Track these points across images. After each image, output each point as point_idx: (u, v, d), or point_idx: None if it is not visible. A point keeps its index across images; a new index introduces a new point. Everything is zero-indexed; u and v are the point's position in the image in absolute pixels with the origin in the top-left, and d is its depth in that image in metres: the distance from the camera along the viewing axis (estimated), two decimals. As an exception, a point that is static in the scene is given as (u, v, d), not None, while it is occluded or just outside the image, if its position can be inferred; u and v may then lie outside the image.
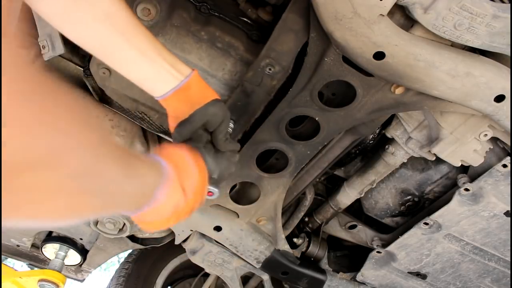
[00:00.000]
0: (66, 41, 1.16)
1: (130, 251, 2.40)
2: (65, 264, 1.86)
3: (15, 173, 0.41)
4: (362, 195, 1.64)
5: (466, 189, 1.40)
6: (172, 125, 0.95)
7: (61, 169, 0.46)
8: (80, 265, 1.95)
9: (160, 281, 2.37)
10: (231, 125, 1.06)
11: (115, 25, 0.80)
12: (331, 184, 1.84)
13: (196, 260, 1.75)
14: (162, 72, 0.87)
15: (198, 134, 0.94)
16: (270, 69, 1.13)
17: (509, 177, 1.33)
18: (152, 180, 0.71)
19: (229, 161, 0.98)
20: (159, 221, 0.81)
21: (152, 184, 0.72)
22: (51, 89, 0.45)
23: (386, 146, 1.46)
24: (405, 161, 1.47)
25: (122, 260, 2.51)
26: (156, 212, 0.75)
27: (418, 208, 1.66)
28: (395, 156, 1.45)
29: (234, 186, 1.47)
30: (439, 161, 1.39)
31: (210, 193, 0.96)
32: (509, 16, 0.90)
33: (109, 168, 0.56)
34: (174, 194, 0.77)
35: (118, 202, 0.64)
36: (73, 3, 0.76)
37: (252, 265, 1.72)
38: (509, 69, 1.04)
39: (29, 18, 1.17)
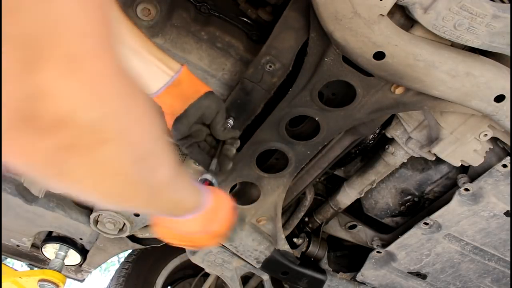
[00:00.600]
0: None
1: (130, 251, 2.40)
2: (65, 264, 1.86)
3: (93, 143, 0.40)
4: (362, 195, 1.64)
5: (466, 189, 1.40)
6: (169, 122, 0.96)
7: (129, 150, 0.45)
8: (80, 265, 1.95)
9: (160, 281, 2.37)
10: (231, 121, 1.06)
11: None
12: (331, 184, 1.84)
13: (196, 260, 1.75)
14: (152, 68, 0.87)
15: (196, 130, 0.96)
16: (270, 66, 1.13)
17: (509, 177, 1.33)
18: (189, 202, 0.75)
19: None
20: (171, 234, 0.84)
21: (187, 206, 0.75)
22: (128, 76, 0.45)
23: (386, 146, 1.46)
24: (405, 161, 1.47)
25: (122, 260, 2.51)
26: (175, 225, 0.79)
27: (418, 208, 1.66)
28: (395, 156, 1.45)
29: (234, 186, 1.47)
30: (439, 161, 1.39)
31: (206, 182, 0.96)
32: (509, 16, 0.90)
33: (164, 169, 0.56)
34: (199, 224, 0.80)
35: (155, 205, 0.65)
36: None
37: (252, 265, 1.71)
38: (509, 69, 1.04)
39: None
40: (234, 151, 1.04)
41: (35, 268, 2.03)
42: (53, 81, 0.34)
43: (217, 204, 0.83)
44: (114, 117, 0.41)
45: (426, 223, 1.51)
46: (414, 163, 1.55)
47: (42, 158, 0.38)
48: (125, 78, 0.43)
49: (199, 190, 0.79)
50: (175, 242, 0.87)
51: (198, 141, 0.98)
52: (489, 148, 1.31)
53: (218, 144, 1.04)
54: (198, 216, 0.78)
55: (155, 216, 0.82)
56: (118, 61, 0.41)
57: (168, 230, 0.83)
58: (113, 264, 5.84)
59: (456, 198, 1.42)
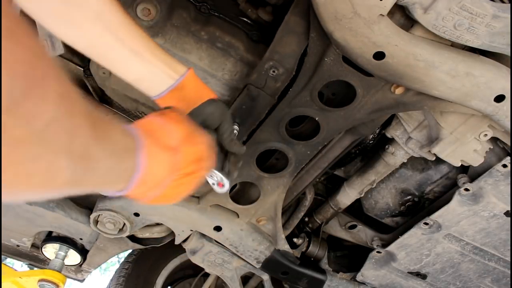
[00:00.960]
0: (66, 41, 1.16)
1: (130, 251, 2.40)
2: (65, 264, 1.86)
3: None
4: (362, 195, 1.64)
5: (466, 189, 1.40)
6: None
7: (25, 120, 0.39)
8: (80, 265, 1.95)
9: (160, 281, 2.37)
10: (236, 127, 1.05)
11: (107, 25, 0.79)
12: (331, 184, 1.84)
13: (196, 260, 1.75)
14: (156, 71, 0.86)
15: None
16: (274, 71, 1.13)
17: (509, 177, 1.33)
18: (126, 145, 0.62)
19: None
20: (166, 192, 0.72)
21: (127, 150, 0.63)
22: (18, 36, 0.39)
23: (386, 146, 1.46)
24: (405, 161, 1.47)
25: (122, 260, 2.51)
26: (149, 181, 0.67)
27: (418, 208, 1.66)
28: (395, 156, 1.45)
29: (234, 186, 1.47)
30: (439, 161, 1.39)
31: (220, 184, 0.92)
32: (509, 16, 0.90)
33: (82, 127, 0.48)
34: (157, 157, 0.68)
35: (91, 169, 0.53)
36: (63, 3, 0.75)
37: (252, 265, 1.72)
38: (509, 69, 1.04)
39: (29, 18, 1.17)
40: (240, 163, 1.00)
41: (35, 268, 2.03)
42: None
43: (144, 127, 0.68)
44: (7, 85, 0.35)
45: (426, 223, 1.51)
46: (414, 163, 1.55)
47: None
48: (10, 37, 0.37)
49: (127, 130, 0.65)
50: (183, 190, 0.75)
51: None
52: (489, 148, 1.31)
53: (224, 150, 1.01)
54: (146, 152, 0.65)
55: (120, 193, 0.67)
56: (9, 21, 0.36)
57: (157, 196, 0.71)
58: (113, 264, 5.84)
59: (456, 198, 1.42)
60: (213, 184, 0.94)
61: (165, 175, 0.70)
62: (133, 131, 0.66)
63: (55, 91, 0.44)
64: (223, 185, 0.93)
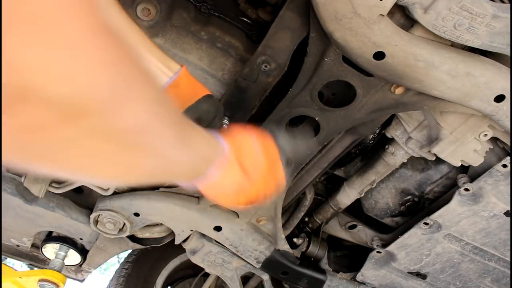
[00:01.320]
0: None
1: (130, 251, 2.40)
2: (65, 264, 1.86)
3: (73, 117, 0.34)
4: (362, 195, 1.64)
5: (466, 189, 1.40)
6: None
7: (116, 119, 0.39)
8: (80, 265, 1.95)
9: (160, 281, 2.37)
10: (226, 121, 1.06)
11: None
12: (331, 184, 1.84)
13: (196, 260, 1.75)
14: (151, 67, 0.86)
15: None
16: (266, 66, 1.13)
17: (509, 177, 1.33)
18: (206, 154, 0.67)
19: (304, 140, 0.94)
20: (224, 197, 0.77)
21: (206, 159, 0.67)
22: (114, 33, 0.38)
23: (386, 146, 1.46)
24: (405, 161, 1.47)
25: (122, 260, 2.51)
26: (214, 189, 0.72)
27: (418, 208, 1.66)
28: (395, 156, 1.45)
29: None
30: (439, 161, 1.39)
31: None
32: (509, 16, 0.90)
33: (165, 130, 0.50)
34: (231, 173, 0.72)
35: (168, 168, 0.58)
36: None
37: (252, 265, 1.72)
38: (509, 69, 1.04)
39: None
40: (302, 138, 1.00)
41: (35, 268, 2.03)
42: (15, 48, 0.28)
43: (234, 143, 0.73)
44: (95, 89, 0.35)
45: (426, 223, 1.51)
46: (414, 163, 1.55)
47: (9, 141, 0.32)
48: (110, 40, 0.37)
49: (213, 139, 0.71)
50: (236, 205, 0.79)
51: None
52: (489, 148, 1.31)
53: None
54: (222, 166, 0.69)
55: (184, 186, 0.74)
56: (101, 20, 0.35)
57: (216, 195, 0.76)
58: (113, 264, 5.84)
59: (456, 198, 1.42)
60: None
61: (230, 191, 0.75)
62: (219, 139, 0.72)
63: (151, 95, 0.45)
64: None
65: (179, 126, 0.55)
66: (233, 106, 1.19)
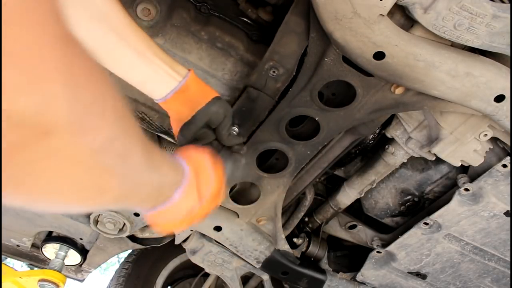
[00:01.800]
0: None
1: (130, 251, 2.40)
2: (65, 264, 1.86)
3: (34, 138, 0.32)
4: (362, 195, 1.64)
5: (466, 189, 1.40)
6: (175, 128, 0.94)
7: (83, 138, 0.37)
8: (80, 265, 1.95)
9: (160, 281, 2.37)
10: (236, 129, 1.06)
11: (111, 25, 0.79)
12: (331, 184, 1.84)
13: (196, 260, 1.75)
14: (160, 73, 0.86)
15: (202, 133, 0.94)
16: (274, 72, 1.13)
17: (509, 177, 1.33)
18: (171, 179, 0.69)
19: (236, 164, 0.97)
20: (172, 223, 0.79)
21: (171, 183, 0.69)
22: (79, 50, 0.36)
23: (386, 146, 1.46)
24: (405, 161, 1.47)
25: (122, 260, 2.51)
26: (170, 213, 0.73)
27: (418, 208, 1.67)
28: (395, 156, 1.45)
29: (234, 186, 1.47)
30: (439, 161, 1.39)
31: None
32: (509, 16, 0.90)
33: (132, 148, 0.48)
34: (190, 197, 0.75)
35: (136, 192, 0.57)
36: (67, 3, 0.74)
37: (252, 265, 1.72)
38: (509, 69, 1.04)
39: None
40: (243, 161, 1.02)
41: (35, 268, 2.03)
42: None
43: (194, 166, 0.76)
44: (57, 102, 0.32)
45: (426, 223, 1.51)
46: (414, 163, 1.55)
47: None
48: (70, 47, 0.34)
49: (176, 162, 0.73)
50: (182, 228, 0.82)
51: (204, 144, 0.96)
52: (489, 148, 1.31)
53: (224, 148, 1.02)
54: (185, 190, 0.71)
55: (147, 215, 0.75)
56: (63, 28, 0.32)
57: (167, 222, 0.78)
58: (113, 264, 5.84)
59: (456, 198, 1.42)
60: None
61: (183, 214, 0.76)
62: (182, 164, 0.73)
63: (113, 110, 0.42)
64: None
65: (145, 145, 0.53)
66: (244, 115, 1.19)
